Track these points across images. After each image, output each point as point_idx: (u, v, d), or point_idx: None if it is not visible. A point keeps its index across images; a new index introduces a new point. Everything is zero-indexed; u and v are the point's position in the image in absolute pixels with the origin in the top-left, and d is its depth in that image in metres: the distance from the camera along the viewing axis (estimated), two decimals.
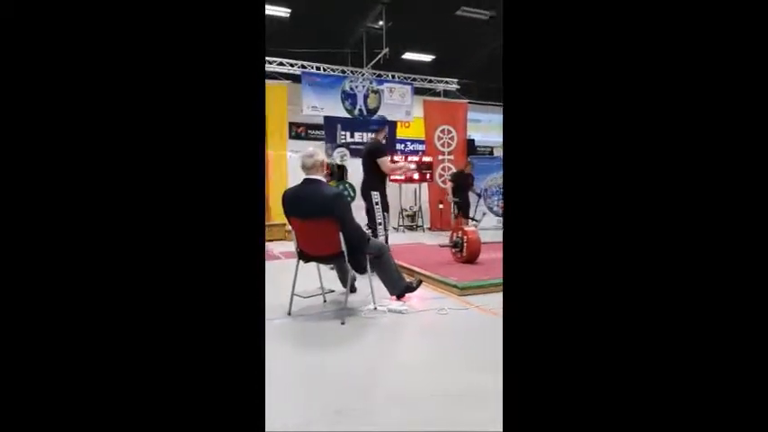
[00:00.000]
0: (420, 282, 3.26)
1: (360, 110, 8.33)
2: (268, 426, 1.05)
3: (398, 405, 1.65)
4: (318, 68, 8.22)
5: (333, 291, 3.27)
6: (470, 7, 7.77)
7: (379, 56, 8.21)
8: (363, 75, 8.49)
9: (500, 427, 0.93)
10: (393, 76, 8.74)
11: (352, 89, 8.28)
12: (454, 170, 7.95)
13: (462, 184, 7.04)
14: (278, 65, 7.97)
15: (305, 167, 2.80)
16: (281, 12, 7.69)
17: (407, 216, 8.91)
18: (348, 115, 8.24)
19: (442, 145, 8.79)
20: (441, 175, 8.62)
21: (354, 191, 7.57)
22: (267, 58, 7.82)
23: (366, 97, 8.38)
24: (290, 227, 2.97)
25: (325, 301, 3.14)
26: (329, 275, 3.35)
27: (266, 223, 6.38)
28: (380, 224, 4.04)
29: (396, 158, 6.85)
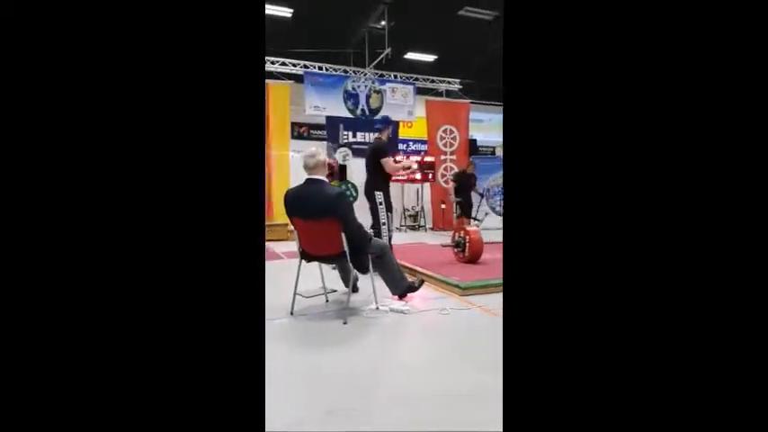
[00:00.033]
0: (422, 282, 3.26)
1: (362, 110, 8.34)
2: (268, 425, 1.05)
3: (400, 405, 1.65)
4: (321, 68, 8.24)
5: (335, 290, 3.27)
6: (473, 7, 7.76)
7: (382, 56, 8.21)
8: (366, 75, 8.50)
9: (500, 427, 0.92)
10: (395, 76, 8.75)
11: (354, 89, 8.29)
12: (456, 170, 7.95)
13: (464, 184, 7.04)
14: (280, 65, 7.99)
15: (307, 167, 2.80)
16: (284, 12, 7.69)
17: (410, 216, 8.92)
18: (350, 115, 8.24)
19: (445, 145, 8.79)
20: (443, 175, 8.62)
21: (356, 190, 7.58)
22: (269, 59, 7.84)
23: (368, 97, 8.39)
24: (292, 227, 2.97)
25: (327, 300, 3.15)
26: (331, 275, 3.35)
27: (269, 223, 6.39)
28: (384, 224, 4.03)
29: (398, 158, 6.84)
